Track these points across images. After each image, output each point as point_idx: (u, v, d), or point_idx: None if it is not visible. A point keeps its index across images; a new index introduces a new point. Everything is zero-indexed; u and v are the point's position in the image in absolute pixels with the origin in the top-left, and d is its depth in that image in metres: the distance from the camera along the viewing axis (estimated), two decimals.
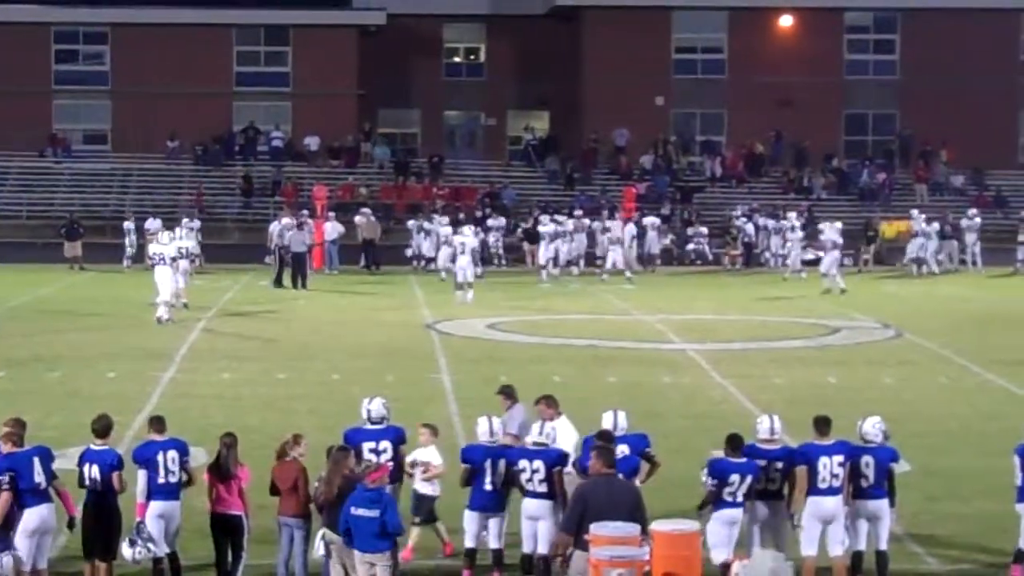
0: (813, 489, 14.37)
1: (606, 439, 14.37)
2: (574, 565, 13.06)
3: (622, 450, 14.82)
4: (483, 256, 45.16)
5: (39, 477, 13.85)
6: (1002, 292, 41.26)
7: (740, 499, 14.23)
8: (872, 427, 14.72)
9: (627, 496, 13.08)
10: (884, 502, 14.56)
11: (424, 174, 57.26)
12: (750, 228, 49.98)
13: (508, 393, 16.62)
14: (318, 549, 14.03)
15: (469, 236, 40.22)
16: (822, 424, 14.70)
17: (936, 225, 47.56)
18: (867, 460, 14.49)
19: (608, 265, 44.00)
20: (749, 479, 14.25)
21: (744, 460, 14.27)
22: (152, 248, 34.77)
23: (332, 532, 13.88)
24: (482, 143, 63.11)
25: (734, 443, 14.39)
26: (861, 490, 14.49)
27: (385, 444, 15.18)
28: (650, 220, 49.54)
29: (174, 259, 33.74)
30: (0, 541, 13.78)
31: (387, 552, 13.34)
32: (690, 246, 50.56)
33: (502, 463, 14.63)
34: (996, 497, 17.48)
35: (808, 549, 14.44)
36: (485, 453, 14.71)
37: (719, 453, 14.74)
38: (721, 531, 14.20)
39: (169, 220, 49.42)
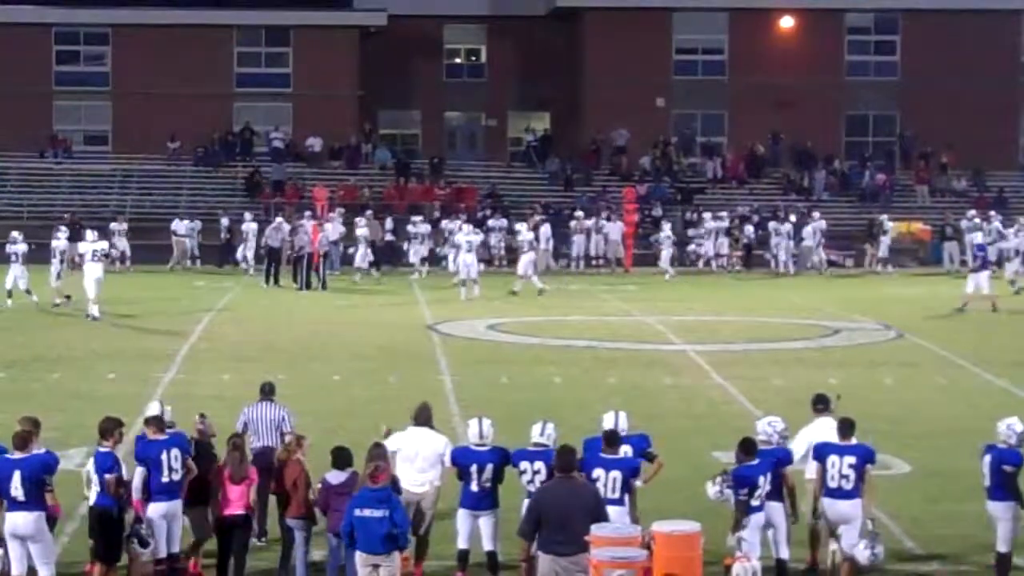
0: (825, 490, 14.41)
1: (610, 439, 14.40)
2: (540, 569, 13.05)
3: (625, 451, 14.88)
4: (484, 257, 45.32)
5: None
6: (1002, 292, 41.21)
7: (765, 500, 14.20)
8: (1006, 427, 14.70)
9: (585, 498, 13.07)
10: (1000, 504, 14.49)
11: (425, 175, 57.26)
12: (750, 229, 50.01)
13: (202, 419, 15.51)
14: None
15: (472, 233, 40.50)
16: (846, 427, 14.67)
17: (788, 225, 48.45)
18: (987, 459, 14.51)
19: (521, 271, 40.91)
20: (770, 477, 14.23)
21: (760, 461, 14.24)
22: (83, 247, 35.34)
23: None
24: (483, 144, 63.08)
25: (749, 448, 14.35)
26: (986, 491, 14.53)
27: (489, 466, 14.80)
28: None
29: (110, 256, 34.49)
30: None
31: (392, 554, 13.34)
32: (691, 247, 50.55)
33: (489, 468, 14.62)
34: None
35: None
36: (471, 457, 14.72)
37: (719, 455, 14.73)
38: (754, 536, 14.12)
39: (169, 220, 49.85)
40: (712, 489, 14.34)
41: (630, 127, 57.76)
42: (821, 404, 15.73)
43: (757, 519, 14.14)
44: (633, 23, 58.33)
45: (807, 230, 48.62)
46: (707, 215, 50.64)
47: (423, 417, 15.47)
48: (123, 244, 47.76)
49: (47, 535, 13.89)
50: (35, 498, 13.71)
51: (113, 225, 48.16)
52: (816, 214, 49.80)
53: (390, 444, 15.27)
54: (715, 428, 21.43)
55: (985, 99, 57.67)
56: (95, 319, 33.20)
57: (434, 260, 47.23)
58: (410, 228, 47.73)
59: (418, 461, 15.07)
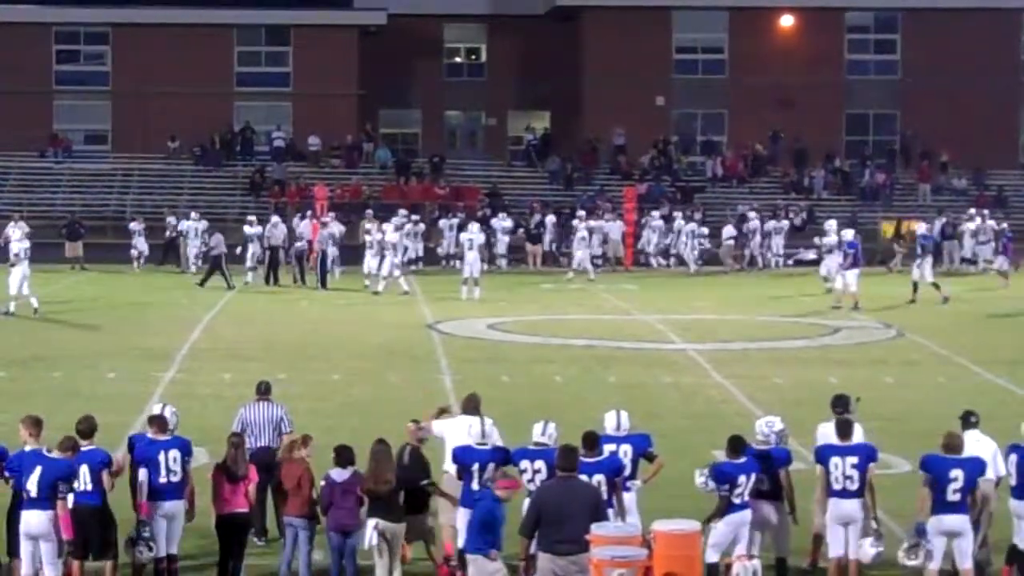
0: (830, 491, 14.41)
1: (588, 442, 14.40)
2: (539, 568, 13.06)
3: (625, 450, 14.90)
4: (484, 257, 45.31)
5: None
6: (1001, 292, 41.23)
7: (746, 499, 14.28)
8: None
9: (584, 498, 13.08)
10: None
11: (425, 174, 57.28)
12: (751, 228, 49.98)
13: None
14: (371, 540, 14.11)
15: (476, 232, 40.54)
16: (844, 427, 14.70)
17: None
18: (1013, 459, 14.56)
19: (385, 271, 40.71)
20: (753, 477, 14.31)
21: (745, 460, 14.33)
22: (14, 247, 35.62)
23: (385, 523, 14.12)
24: (483, 143, 63.14)
25: (735, 445, 14.43)
26: (1011, 489, 14.56)
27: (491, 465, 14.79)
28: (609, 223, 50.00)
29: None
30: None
31: (476, 553, 13.52)
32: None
33: (490, 467, 14.63)
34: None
35: (833, 551, 14.44)
36: (472, 456, 14.72)
37: (719, 454, 14.74)
38: (729, 533, 14.20)
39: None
40: (699, 479, 14.45)
41: (630, 126, 57.78)
42: (840, 406, 15.68)
43: (741, 517, 14.21)
44: (633, 22, 58.37)
45: (728, 229, 49.12)
46: (655, 213, 50.27)
47: (471, 406, 15.63)
48: (143, 245, 47.10)
49: (56, 535, 13.86)
50: (48, 498, 13.65)
51: (132, 225, 47.82)
52: (752, 214, 49.83)
53: (436, 429, 15.44)
54: (715, 427, 21.39)
55: (985, 98, 57.71)
56: (11, 314, 33.76)
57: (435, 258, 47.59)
58: (409, 227, 47.96)
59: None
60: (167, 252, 47.51)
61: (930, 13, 58.96)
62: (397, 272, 40.10)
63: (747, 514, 14.26)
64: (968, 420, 15.34)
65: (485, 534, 13.43)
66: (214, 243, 42.61)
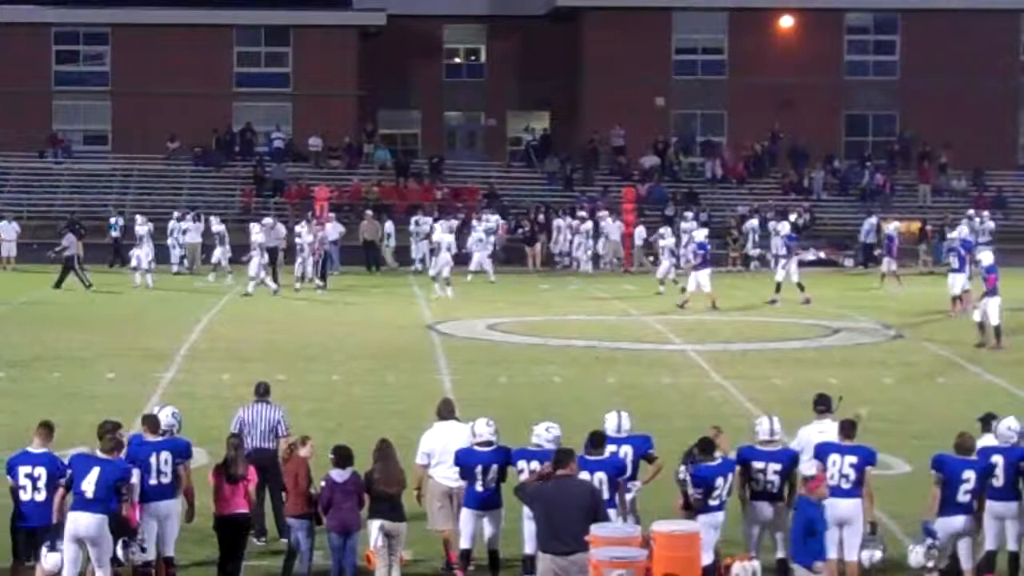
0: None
1: (595, 441, 14.41)
2: (539, 569, 13.07)
3: (625, 451, 14.90)
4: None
5: None
6: (1002, 293, 41.14)
7: (724, 499, 14.28)
8: (1007, 428, 14.74)
9: (581, 497, 13.04)
10: (1013, 504, 14.50)
11: (424, 175, 57.28)
12: (751, 225, 50.01)
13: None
14: (376, 540, 14.10)
15: (443, 233, 40.77)
16: (847, 427, 14.69)
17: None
18: (996, 460, 14.52)
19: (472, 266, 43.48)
20: (730, 477, 14.33)
21: (720, 461, 14.32)
22: None
23: (391, 523, 14.13)
24: (482, 144, 63.12)
25: (706, 447, 14.40)
26: (991, 490, 14.49)
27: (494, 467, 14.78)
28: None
29: None
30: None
31: (800, 565, 13.72)
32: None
33: (494, 468, 14.64)
34: None
35: (828, 552, 14.43)
36: (474, 458, 14.72)
37: (719, 455, 14.73)
38: (707, 535, 14.16)
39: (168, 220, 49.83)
40: (681, 475, 14.44)
41: (630, 127, 57.78)
42: (822, 405, 15.72)
43: (713, 519, 14.20)
44: (633, 23, 58.35)
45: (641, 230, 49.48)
46: (594, 218, 49.90)
47: (447, 411, 15.61)
48: (149, 247, 46.46)
49: (107, 539, 13.69)
50: (103, 500, 13.55)
51: (139, 229, 47.38)
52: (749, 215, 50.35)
53: (424, 447, 15.31)
54: None
55: (984, 98, 57.69)
56: None
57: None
58: (411, 227, 48.06)
59: (448, 456, 15.08)
60: (116, 253, 47.22)
61: (929, 14, 58.93)
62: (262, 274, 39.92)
63: (720, 516, 14.27)
64: (989, 423, 15.29)
65: (810, 543, 13.47)
66: (65, 243, 42.07)
